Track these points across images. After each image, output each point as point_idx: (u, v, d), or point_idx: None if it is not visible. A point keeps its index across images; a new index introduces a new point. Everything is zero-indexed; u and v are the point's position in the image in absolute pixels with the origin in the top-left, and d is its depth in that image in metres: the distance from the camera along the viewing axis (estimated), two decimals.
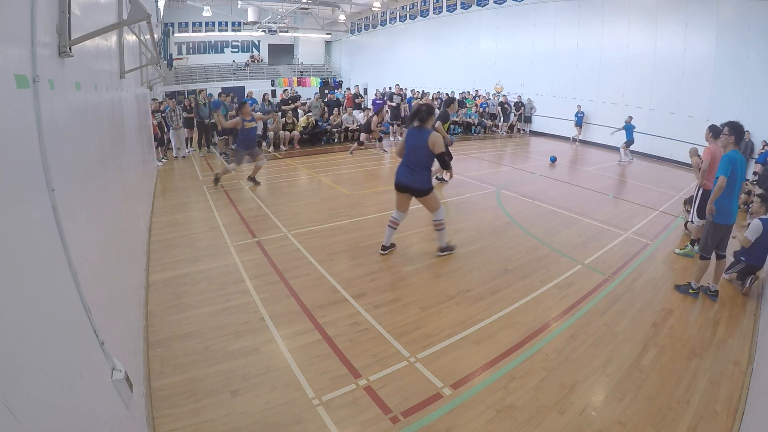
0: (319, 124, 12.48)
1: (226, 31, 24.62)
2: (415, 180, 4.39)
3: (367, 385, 2.75)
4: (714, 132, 4.62)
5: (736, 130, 3.87)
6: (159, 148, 9.93)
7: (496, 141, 14.42)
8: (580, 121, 13.72)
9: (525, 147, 13.55)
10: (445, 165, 4.53)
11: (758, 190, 6.82)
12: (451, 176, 7.51)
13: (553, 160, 10.64)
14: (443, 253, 4.75)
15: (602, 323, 3.56)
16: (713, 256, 4.11)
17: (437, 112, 4.66)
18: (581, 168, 10.30)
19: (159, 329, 3.30)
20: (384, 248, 4.80)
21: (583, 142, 13.94)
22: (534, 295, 4.00)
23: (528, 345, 3.23)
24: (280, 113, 11.85)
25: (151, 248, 4.89)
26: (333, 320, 3.49)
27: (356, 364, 2.95)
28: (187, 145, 10.99)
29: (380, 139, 11.54)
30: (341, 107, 13.55)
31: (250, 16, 21.25)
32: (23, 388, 0.96)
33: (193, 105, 10.83)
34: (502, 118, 16.28)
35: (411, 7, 20.88)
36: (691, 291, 4.11)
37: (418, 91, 16.41)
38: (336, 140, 12.64)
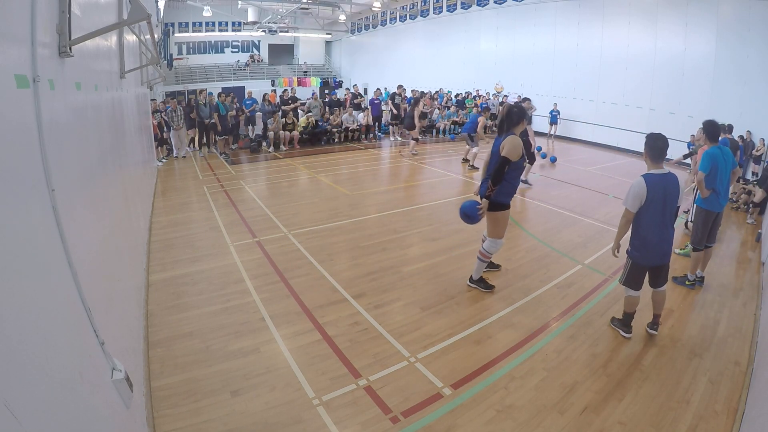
0: (319, 124, 12.48)
1: (226, 31, 24.62)
2: (481, 186, 3.78)
3: (368, 385, 2.75)
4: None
5: (706, 128, 4.21)
6: (159, 148, 9.94)
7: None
8: (554, 119, 14.15)
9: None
10: (497, 175, 3.50)
11: (759, 191, 6.82)
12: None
13: (553, 160, 10.64)
14: (472, 285, 4.04)
15: (602, 323, 3.56)
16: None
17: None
18: (581, 168, 10.29)
19: (159, 329, 3.30)
20: (492, 265, 4.37)
21: (588, 143, 13.94)
22: (534, 295, 4.00)
23: (528, 345, 3.23)
24: (280, 113, 11.85)
25: (151, 248, 4.89)
26: (333, 320, 3.49)
27: (356, 364, 2.95)
28: (190, 145, 11.01)
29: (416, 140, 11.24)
30: (341, 107, 13.55)
31: (250, 16, 21.24)
32: (23, 388, 0.96)
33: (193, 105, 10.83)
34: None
35: (411, 7, 20.87)
36: (687, 283, 4.24)
37: (418, 91, 16.41)
38: (336, 140, 12.64)
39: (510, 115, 3.59)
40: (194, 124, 10.80)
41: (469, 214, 3.69)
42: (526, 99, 8.25)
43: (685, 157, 7.96)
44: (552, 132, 14.41)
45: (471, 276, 4.07)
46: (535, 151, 10.57)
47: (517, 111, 3.62)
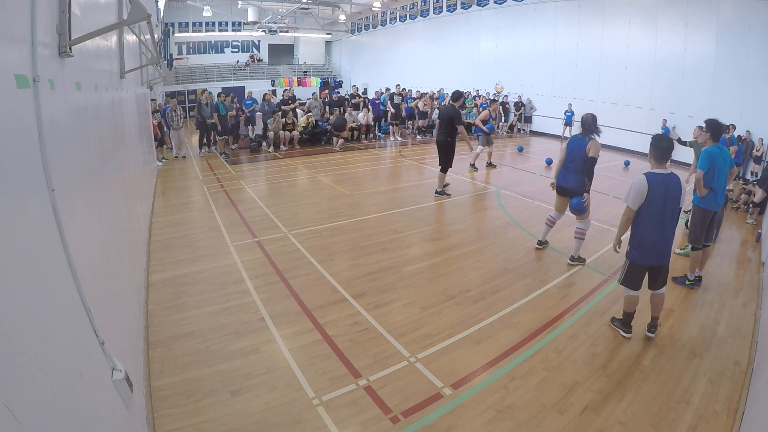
0: (319, 124, 12.48)
1: (226, 31, 24.60)
2: (571, 181, 4.62)
3: (367, 385, 2.75)
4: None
5: (710, 127, 4.18)
6: (159, 148, 9.94)
7: (496, 141, 14.38)
8: (569, 120, 13.78)
9: (525, 147, 13.54)
10: (590, 173, 4.56)
11: (759, 191, 6.82)
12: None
13: (549, 162, 10.61)
14: (574, 263, 4.69)
15: (602, 323, 3.56)
16: None
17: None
18: None
19: (159, 329, 3.30)
20: (540, 243, 5.05)
21: None
22: (534, 295, 4.00)
23: (528, 345, 3.23)
24: (280, 113, 11.86)
25: (151, 248, 4.89)
26: (333, 320, 3.49)
27: (356, 364, 2.95)
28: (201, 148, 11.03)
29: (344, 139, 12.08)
30: (341, 107, 13.54)
31: (250, 16, 21.25)
32: (23, 388, 0.96)
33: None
34: (502, 118, 16.28)
35: (411, 7, 20.87)
36: (687, 282, 4.25)
37: (418, 91, 16.43)
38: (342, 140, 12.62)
39: (593, 122, 4.48)
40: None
41: (580, 209, 4.50)
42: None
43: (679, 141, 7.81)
44: (567, 135, 13.72)
45: (572, 255, 4.75)
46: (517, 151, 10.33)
47: (595, 119, 4.52)
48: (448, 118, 6.89)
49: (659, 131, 11.47)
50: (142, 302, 3.51)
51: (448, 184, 7.52)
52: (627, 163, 10.97)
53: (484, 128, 9.39)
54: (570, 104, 13.86)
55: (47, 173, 1.33)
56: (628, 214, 3.16)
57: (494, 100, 10.89)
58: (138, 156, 5.52)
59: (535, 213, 6.51)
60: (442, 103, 14.57)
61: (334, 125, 11.92)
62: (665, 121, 11.61)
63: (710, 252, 4.48)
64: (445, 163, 7.06)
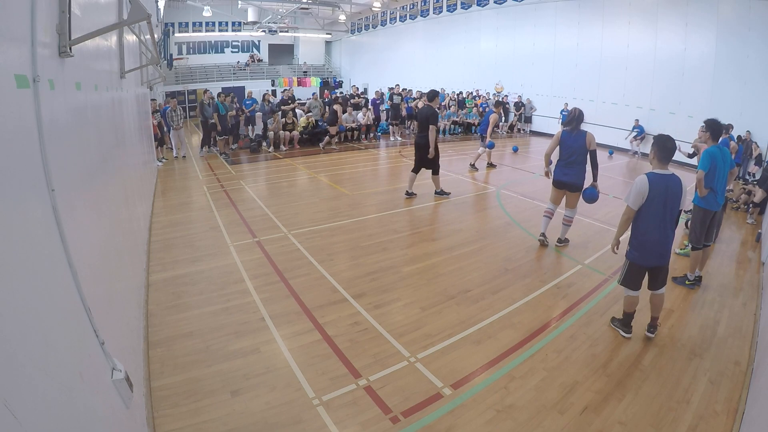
0: (319, 124, 12.48)
1: (226, 31, 24.61)
2: (571, 175, 4.88)
3: (368, 385, 2.75)
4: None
5: (710, 127, 4.19)
6: (159, 148, 9.94)
7: (496, 141, 14.39)
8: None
9: (525, 147, 13.54)
10: (596, 163, 4.88)
11: (759, 191, 6.82)
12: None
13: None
14: (561, 244, 5.19)
15: (602, 323, 3.56)
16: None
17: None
18: None
19: (159, 329, 3.30)
20: (542, 235, 5.23)
21: None
22: (534, 295, 4.00)
23: (528, 345, 3.23)
24: (280, 113, 11.86)
25: (151, 248, 4.89)
26: (333, 320, 3.49)
27: (356, 364, 2.95)
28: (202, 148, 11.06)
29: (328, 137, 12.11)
30: (338, 103, 13.55)
31: (250, 16, 21.26)
32: (23, 388, 0.96)
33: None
34: (503, 119, 16.29)
35: (411, 7, 20.87)
36: (687, 282, 4.25)
37: (418, 91, 16.44)
38: (336, 140, 12.63)
39: (582, 117, 4.87)
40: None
41: (594, 197, 4.79)
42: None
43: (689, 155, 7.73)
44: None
45: (559, 237, 5.21)
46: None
47: (582, 113, 4.89)
48: (425, 119, 6.67)
49: (630, 131, 12.15)
50: (142, 302, 3.51)
51: (413, 194, 7.14)
52: (611, 153, 11.22)
53: (485, 144, 9.37)
54: (566, 104, 13.90)
55: (47, 173, 1.33)
56: (628, 214, 3.17)
57: (500, 102, 10.69)
58: (138, 156, 5.52)
59: (535, 213, 6.51)
60: (442, 103, 14.59)
61: (327, 120, 12.10)
62: (637, 120, 11.79)
63: (710, 252, 4.48)
64: (434, 164, 6.92)
